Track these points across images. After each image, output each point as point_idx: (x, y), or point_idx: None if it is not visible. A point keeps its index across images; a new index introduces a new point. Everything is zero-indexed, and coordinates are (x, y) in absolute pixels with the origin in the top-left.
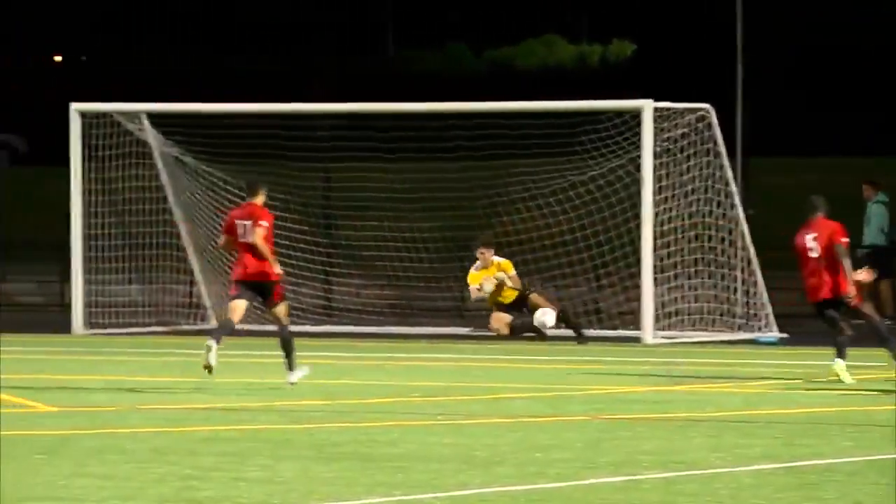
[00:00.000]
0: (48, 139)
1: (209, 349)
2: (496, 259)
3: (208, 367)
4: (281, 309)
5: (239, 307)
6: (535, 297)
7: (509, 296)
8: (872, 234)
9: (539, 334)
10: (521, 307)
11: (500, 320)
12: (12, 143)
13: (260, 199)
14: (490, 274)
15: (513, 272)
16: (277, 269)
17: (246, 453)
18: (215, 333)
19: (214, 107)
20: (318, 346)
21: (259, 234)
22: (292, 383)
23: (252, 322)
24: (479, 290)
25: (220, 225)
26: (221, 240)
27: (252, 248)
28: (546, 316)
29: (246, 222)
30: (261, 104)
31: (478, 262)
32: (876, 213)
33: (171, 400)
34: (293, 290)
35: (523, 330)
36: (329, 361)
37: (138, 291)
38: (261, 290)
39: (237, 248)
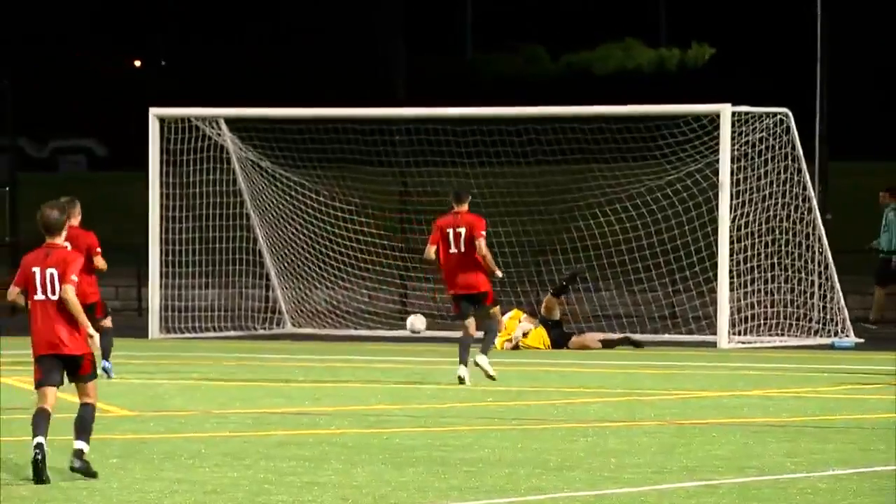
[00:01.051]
0: (127, 144)
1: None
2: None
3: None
4: (496, 310)
5: (472, 324)
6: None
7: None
8: (894, 240)
9: (634, 343)
10: (557, 324)
11: (592, 339)
12: (91, 148)
13: (466, 206)
14: (511, 331)
15: (523, 315)
16: (498, 273)
17: (320, 458)
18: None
19: (292, 111)
20: (392, 351)
21: (483, 245)
22: (477, 363)
23: (328, 327)
24: (518, 338)
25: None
26: (429, 250)
27: (465, 258)
28: (416, 321)
29: (460, 229)
30: (338, 108)
31: None
32: (894, 221)
33: (245, 405)
34: (369, 294)
35: (615, 343)
36: (403, 366)
37: (215, 296)
38: (474, 299)
39: (444, 258)
